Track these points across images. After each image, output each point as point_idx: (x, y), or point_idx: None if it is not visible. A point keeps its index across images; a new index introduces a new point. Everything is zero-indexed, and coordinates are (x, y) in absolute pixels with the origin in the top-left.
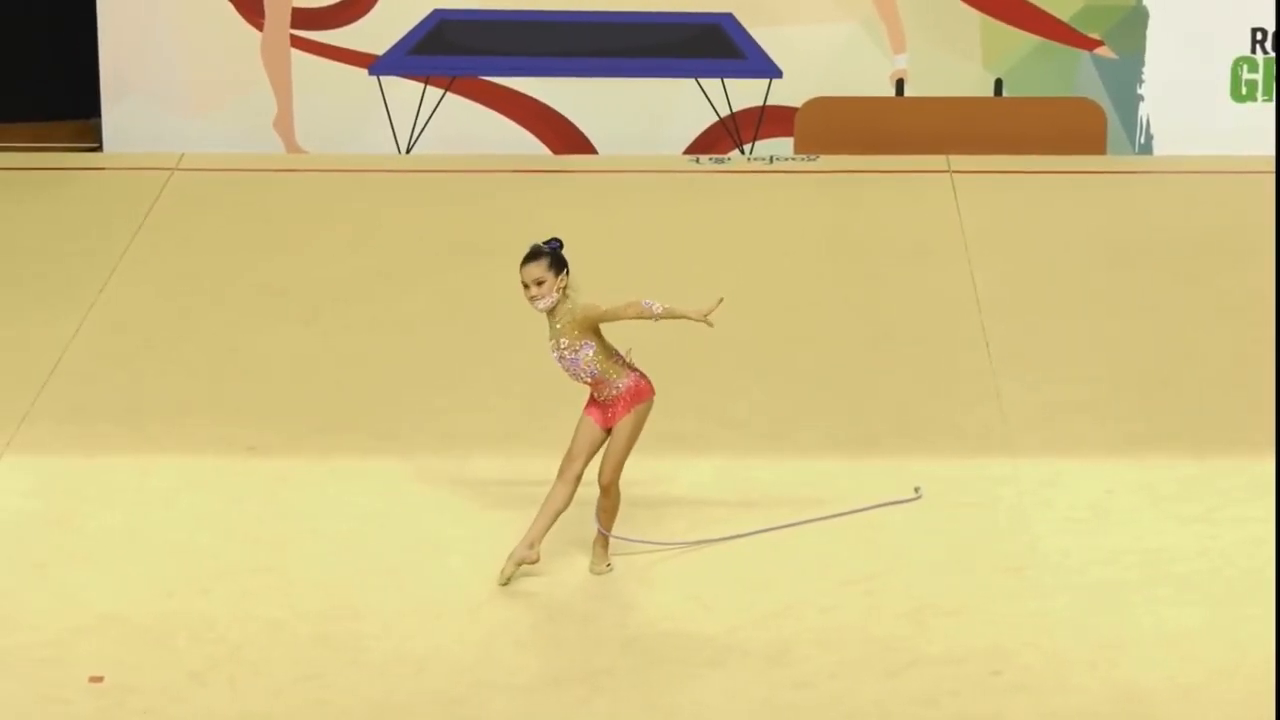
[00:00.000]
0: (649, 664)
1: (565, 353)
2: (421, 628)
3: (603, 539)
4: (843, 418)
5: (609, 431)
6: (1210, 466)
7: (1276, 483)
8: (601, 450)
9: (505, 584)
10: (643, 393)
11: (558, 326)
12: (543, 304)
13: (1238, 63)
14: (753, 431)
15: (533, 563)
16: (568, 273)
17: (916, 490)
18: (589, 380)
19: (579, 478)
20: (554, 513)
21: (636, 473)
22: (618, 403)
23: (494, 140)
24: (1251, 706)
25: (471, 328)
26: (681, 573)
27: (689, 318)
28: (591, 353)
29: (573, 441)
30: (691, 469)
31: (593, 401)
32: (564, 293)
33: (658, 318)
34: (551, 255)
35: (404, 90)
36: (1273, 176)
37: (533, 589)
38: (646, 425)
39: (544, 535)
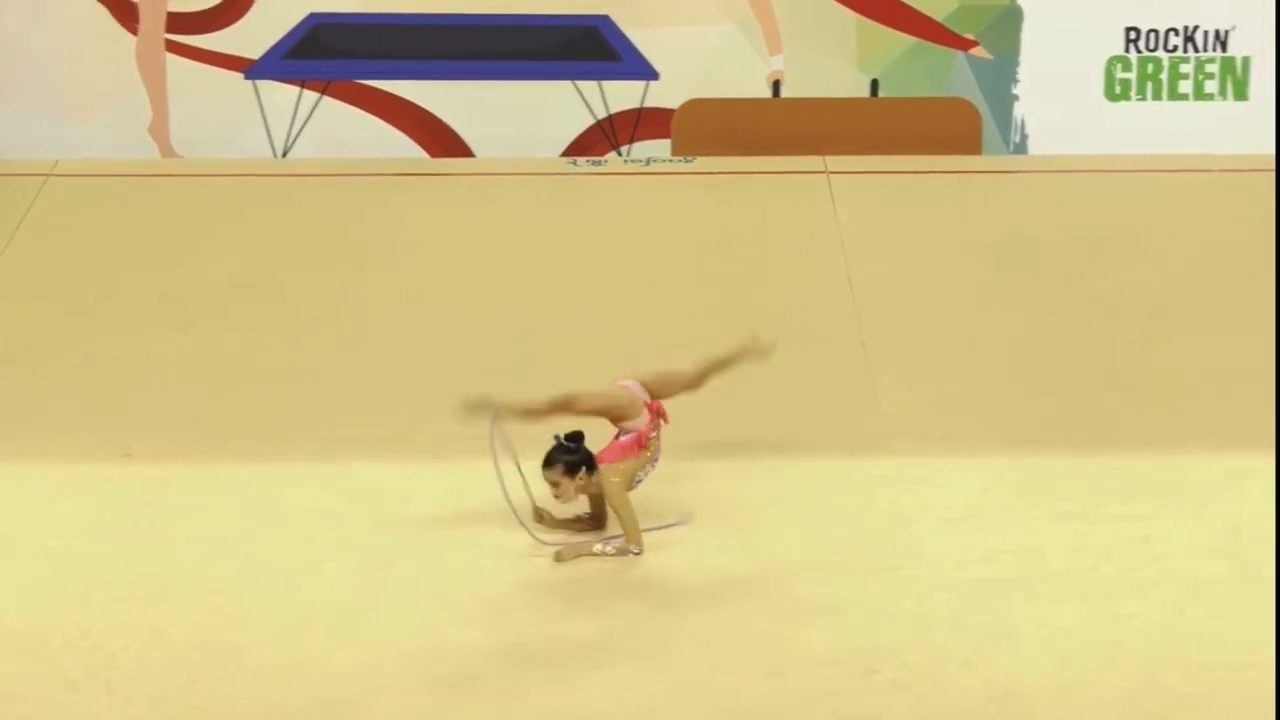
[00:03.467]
0: (528, 667)
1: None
2: (301, 634)
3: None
4: (720, 418)
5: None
6: (1087, 465)
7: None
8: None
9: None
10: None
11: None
12: (564, 500)
13: (1111, 62)
14: None
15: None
16: (587, 471)
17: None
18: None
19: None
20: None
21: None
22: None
23: (371, 144)
24: (1128, 704)
25: (351, 332)
26: (559, 575)
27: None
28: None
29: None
30: None
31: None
32: (587, 482)
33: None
34: (565, 464)
35: (280, 94)
36: (1149, 175)
37: (410, 595)
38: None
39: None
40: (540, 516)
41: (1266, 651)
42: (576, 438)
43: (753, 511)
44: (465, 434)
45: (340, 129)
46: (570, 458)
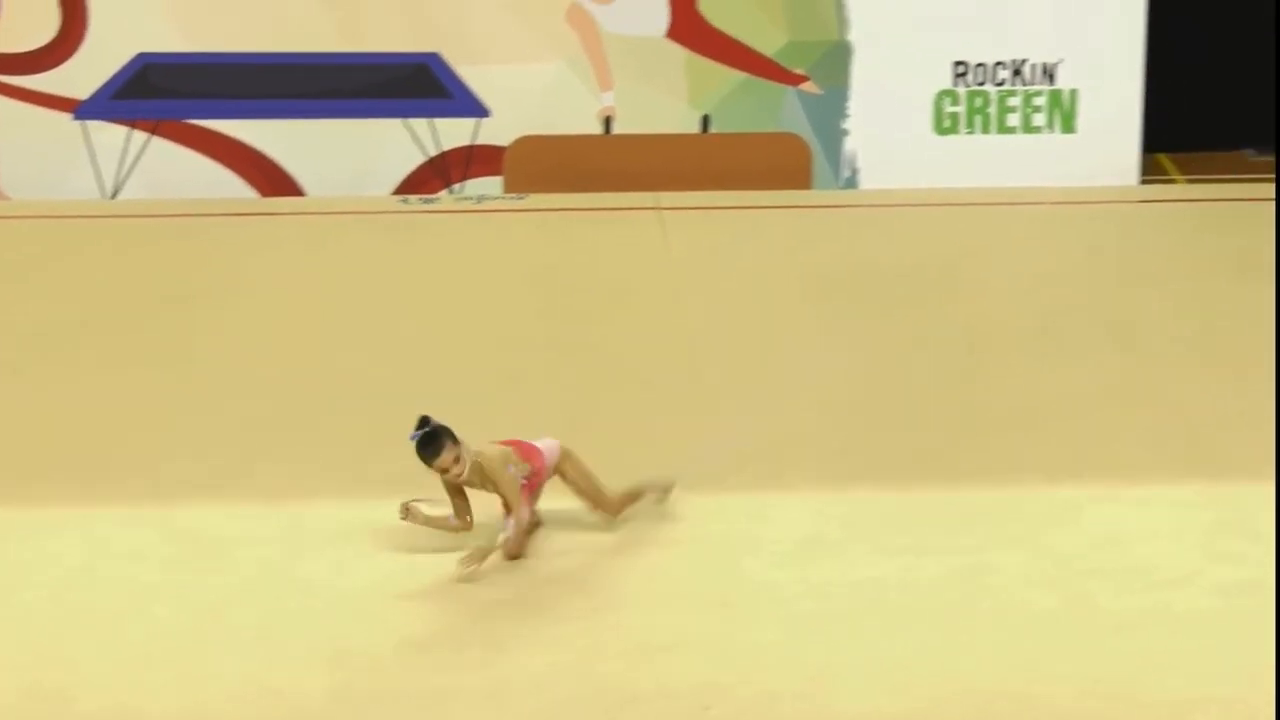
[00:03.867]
0: (361, 708)
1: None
2: (132, 678)
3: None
4: None
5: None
6: (918, 498)
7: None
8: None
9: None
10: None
11: (483, 482)
12: (463, 473)
13: (940, 96)
14: None
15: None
16: (454, 440)
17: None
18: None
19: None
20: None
21: (351, 516)
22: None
23: (201, 184)
24: None
25: (179, 374)
26: (392, 617)
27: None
28: (514, 470)
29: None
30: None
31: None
32: (467, 454)
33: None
34: (447, 435)
35: (109, 134)
36: (978, 208)
37: (241, 638)
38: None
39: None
40: (406, 513)
41: (1097, 682)
42: (426, 421)
43: (586, 548)
44: (294, 475)
45: (170, 169)
46: (442, 427)
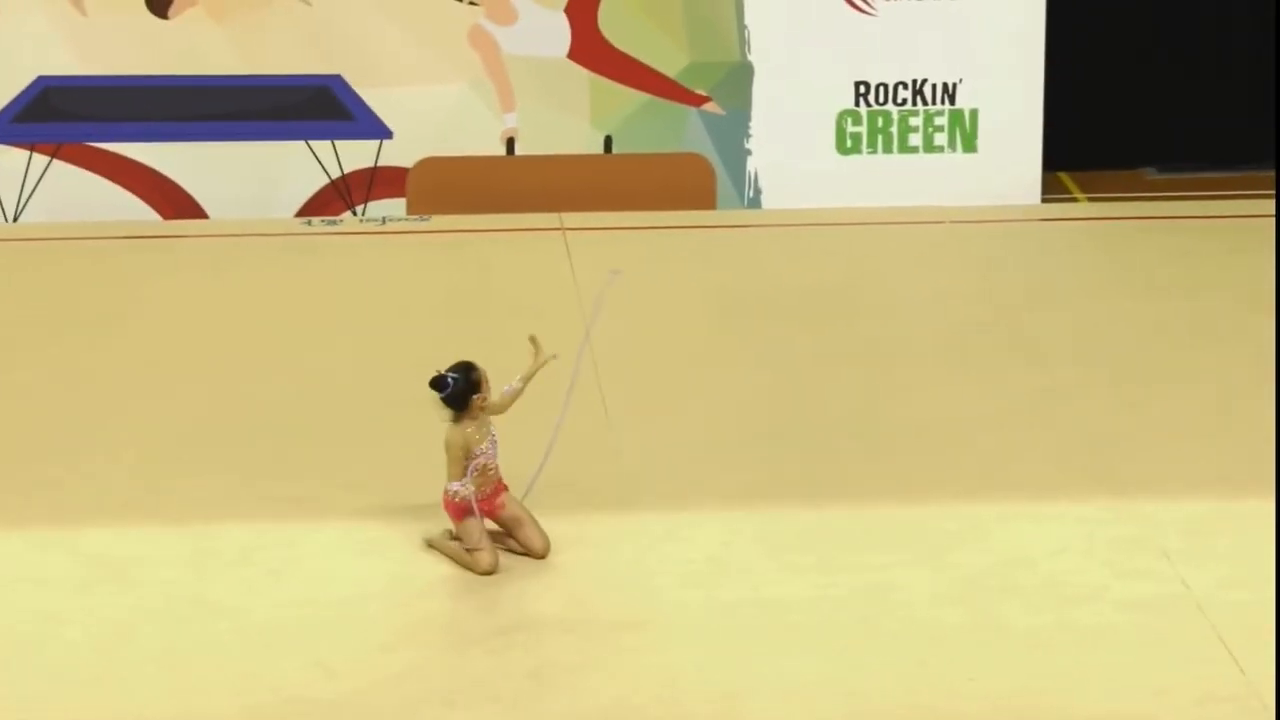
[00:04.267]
0: None
1: (494, 438)
2: (44, 702)
3: None
4: None
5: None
6: (826, 515)
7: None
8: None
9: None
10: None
11: (487, 425)
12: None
13: (842, 116)
14: (373, 493)
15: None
16: (474, 373)
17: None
18: (494, 467)
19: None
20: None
21: (259, 538)
22: (497, 489)
23: (103, 207)
24: None
25: (83, 397)
26: (300, 638)
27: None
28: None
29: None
30: (314, 533)
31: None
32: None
33: (519, 392)
34: (473, 370)
35: (9, 158)
36: (881, 227)
37: (152, 662)
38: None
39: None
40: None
41: (1007, 699)
42: (441, 378)
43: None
44: (200, 497)
45: (72, 192)
46: (461, 370)
